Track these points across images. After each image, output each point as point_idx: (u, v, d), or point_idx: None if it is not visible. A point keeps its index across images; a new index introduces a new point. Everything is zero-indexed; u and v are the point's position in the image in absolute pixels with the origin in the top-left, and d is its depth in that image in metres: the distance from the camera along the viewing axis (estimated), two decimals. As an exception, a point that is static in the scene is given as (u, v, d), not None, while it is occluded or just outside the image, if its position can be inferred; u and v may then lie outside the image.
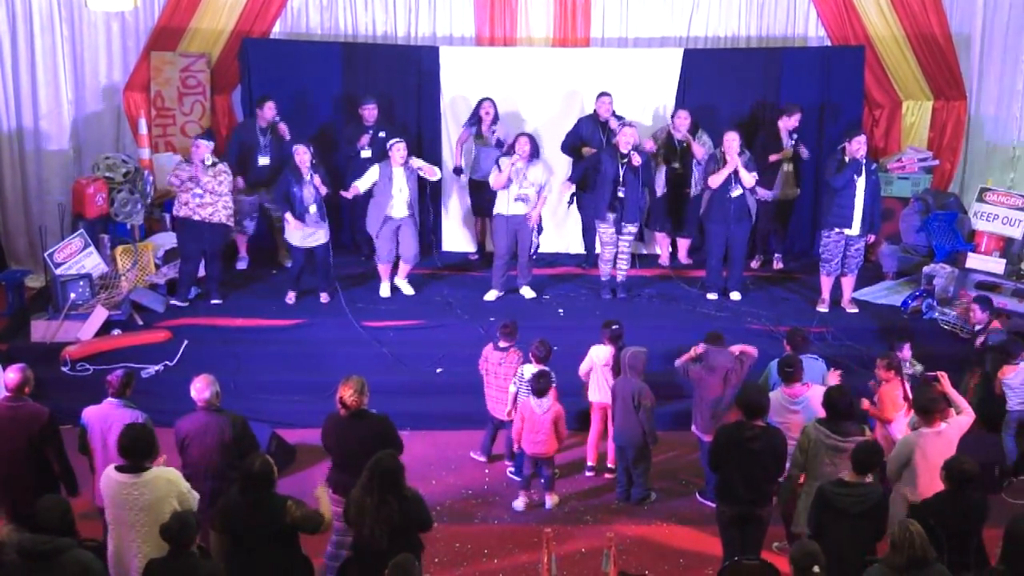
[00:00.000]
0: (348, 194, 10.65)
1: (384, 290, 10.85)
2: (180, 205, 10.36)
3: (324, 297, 10.76)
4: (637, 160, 10.29)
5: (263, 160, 11.12)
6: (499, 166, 10.53)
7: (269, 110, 11.07)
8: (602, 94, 11.18)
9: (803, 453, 6.93)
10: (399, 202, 10.49)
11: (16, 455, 6.74)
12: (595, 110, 11.25)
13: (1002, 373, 8.45)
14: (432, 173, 10.67)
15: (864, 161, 10.21)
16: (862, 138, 10.23)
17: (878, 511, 6.29)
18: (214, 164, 10.35)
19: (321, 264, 10.67)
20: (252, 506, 5.91)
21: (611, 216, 10.48)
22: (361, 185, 10.57)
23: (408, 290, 10.92)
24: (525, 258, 10.77)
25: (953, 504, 6.10)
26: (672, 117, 11.35)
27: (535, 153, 10.57)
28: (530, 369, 8.36)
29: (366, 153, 11.10)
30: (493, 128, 11.27)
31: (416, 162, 10.54)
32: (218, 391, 6.91)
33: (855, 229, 10.29)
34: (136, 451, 6.09)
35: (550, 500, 8.33)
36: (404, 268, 10.86)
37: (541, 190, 10.60)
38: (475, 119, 11.37)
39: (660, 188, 11.37)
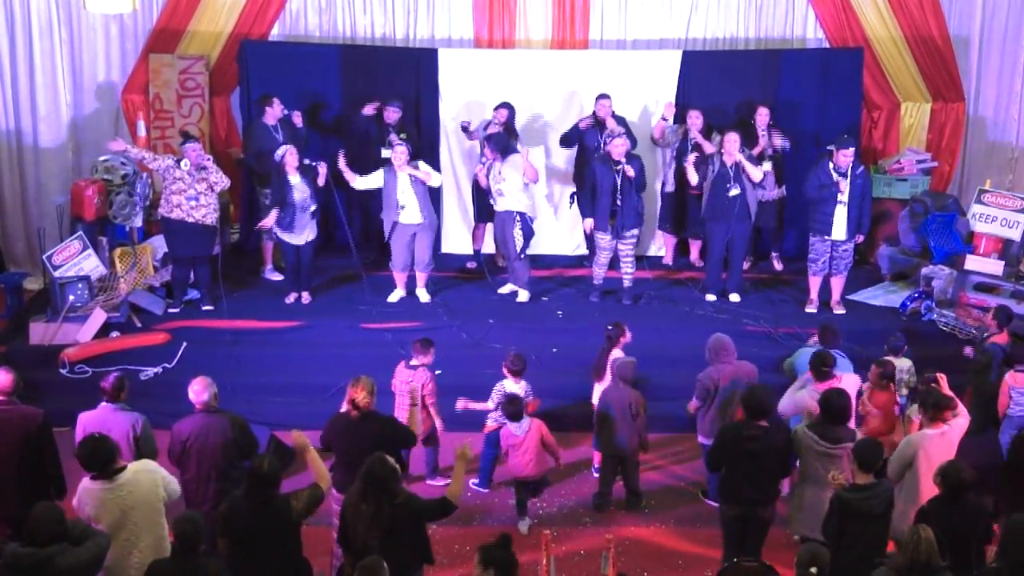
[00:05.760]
0: (351, 181, 10.52)
1: (395, 296, 10.78)
2: (171, 207, 10.17)
3: (305, 297, 10.75)
4: (631, 172, 10.27)
5: None
6: (481, 173, 10.60)
7: (277, 106, 11.02)
8: (602, 96, 11.16)
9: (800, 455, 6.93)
10: (410, 208, 10.41)
11: (7, 457, 6.67)
12: (594, 112, 11.23)
13: (1014, 381, 8.32)
14: (428, 178, 10.47)
15: (849, 166, 10.18)
16: (849, 151, 10.11)
17: (892, 508, 6.30)
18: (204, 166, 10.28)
19: (305, 265, 10.67)
20: (258, 508, 5.89)
21: (611, 224, 10.45)
22: (360, 181, 10.49)
23: (424, 297, 10.80)
24: (511, 258, 10.73)
25: (951, 509, 6.08)
26: (686, 116, 11.33)
27: (505, 151, 10.45)
28: (509, 384, 8.11)
29: (387, 153, 10.87)
30: None
31: (419, 170, 10.41)
32: (216, 392, 6.87)
33: (837, 235, 10.34)
34: (96, 462, 6.04)
35: (523, 525, 7.96)
36: (420, 276, 10.73)
37: (526, 187, 10.53)
38: (488, 125, 11.19)
39: (670, 184, 11.50)
